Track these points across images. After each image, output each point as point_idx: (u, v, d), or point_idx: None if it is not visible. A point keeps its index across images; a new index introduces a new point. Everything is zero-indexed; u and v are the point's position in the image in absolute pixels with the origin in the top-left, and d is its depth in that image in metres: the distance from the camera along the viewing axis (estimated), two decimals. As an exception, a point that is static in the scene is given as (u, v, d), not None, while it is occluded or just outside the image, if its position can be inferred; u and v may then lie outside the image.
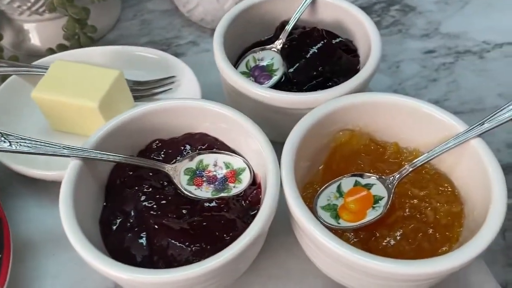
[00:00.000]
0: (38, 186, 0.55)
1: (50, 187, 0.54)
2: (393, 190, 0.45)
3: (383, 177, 0.46)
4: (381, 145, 0.50)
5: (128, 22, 0.80)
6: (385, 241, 0.43)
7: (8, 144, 0.42)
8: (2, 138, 0.42)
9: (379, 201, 0.45)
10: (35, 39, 0.74)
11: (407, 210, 0.45)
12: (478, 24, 0.78)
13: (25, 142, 0.42)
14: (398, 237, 0.43)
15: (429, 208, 0.45)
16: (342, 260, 0.39)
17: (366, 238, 0.44)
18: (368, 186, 0.47)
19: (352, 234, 0.44)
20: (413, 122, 0.48)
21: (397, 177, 0.46)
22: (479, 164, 0.43)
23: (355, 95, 0.49)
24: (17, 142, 0.42)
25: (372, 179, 0.47)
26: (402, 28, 0.78)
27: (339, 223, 0.44)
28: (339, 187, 0.47)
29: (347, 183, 0.47)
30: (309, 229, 0.40)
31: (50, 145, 0.43)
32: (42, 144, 0.42)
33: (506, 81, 0.70)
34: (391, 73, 0.72)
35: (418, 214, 0.45)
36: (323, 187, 0.47)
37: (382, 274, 0.38)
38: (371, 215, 0.44)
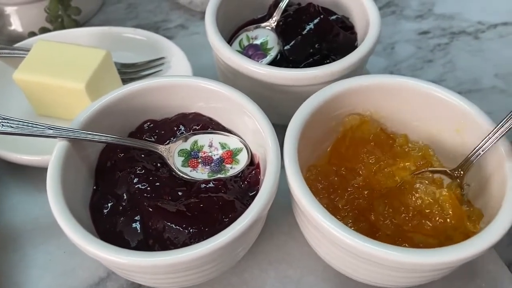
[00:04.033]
0: (20, 173, 0.52)
1: (33, 174, 0.51)
2: None
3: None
4: (390, 136, 0.47)
5: (114, 5, 0.77)
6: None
7: (-10, 124, 0.39)
8: (-17, 118, 0.39)
9: None
10: (16, 24, 0.71)
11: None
12: (472, 5, 0.76)
13: (8, 122, 0.39)
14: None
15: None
16: (348, 248, 0.36)
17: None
18: None
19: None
20: (426, 108, 0.46)
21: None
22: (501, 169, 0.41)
23: (364, 76, 0.46)
24: (-1, 122, 0.39)
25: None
26: (396, 9, 0.76)
27: None
28: None
29: None
30: (311, 213, 0.37)
31: (35, 125, 0.40)
32: (26, 124, 0.40)
33: (502, 61, 0.69)
34: (386, 55, 0.70)
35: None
36: None
37: (392, 264, 0.35)
38: None
